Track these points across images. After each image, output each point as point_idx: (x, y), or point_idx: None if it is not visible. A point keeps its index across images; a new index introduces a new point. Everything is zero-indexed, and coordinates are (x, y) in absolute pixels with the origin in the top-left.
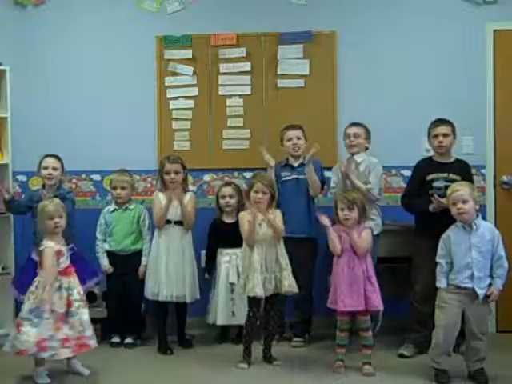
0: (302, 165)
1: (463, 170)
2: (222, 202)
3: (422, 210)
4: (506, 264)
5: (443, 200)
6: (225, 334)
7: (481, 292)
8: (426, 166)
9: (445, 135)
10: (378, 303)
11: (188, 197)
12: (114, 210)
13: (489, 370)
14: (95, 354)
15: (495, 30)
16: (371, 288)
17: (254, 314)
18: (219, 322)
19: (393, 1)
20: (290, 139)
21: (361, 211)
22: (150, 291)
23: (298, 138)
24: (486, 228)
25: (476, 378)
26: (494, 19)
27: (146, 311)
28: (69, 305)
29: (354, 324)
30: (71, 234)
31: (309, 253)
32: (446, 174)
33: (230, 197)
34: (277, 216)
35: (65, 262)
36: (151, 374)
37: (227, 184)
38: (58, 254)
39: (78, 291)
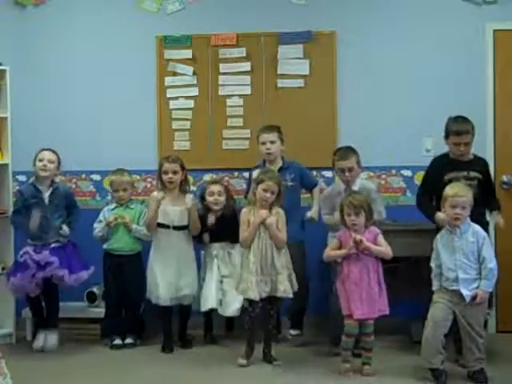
0: (280, 169)
1: (483, 168)
2: (210, 199)
3: (428, 216)
4: (491, 265)
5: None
6: (210, 331)
7: (467, 294)
8: (443, 165)
9: (466, 144)
10: (384, 308)
11: (190, 203)
12: (115, 207)
13: (489, 370)
14: (95, 353)
15: (495, 30)
16: (380, 293)
17: (253, 314)
18: (209, 305)
19: (393, 1)
20: (263, 143)
21: (367, 215)
22: (152, 296)
23: (272, 142)
24: (471, 230)
25: (476, 378)
26: (494, 19)
27: (144, 311)
28: None
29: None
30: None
31: (298, 254)
32: (465, 173)
33: (219, 194)
34: (280, 217)
35: None
36: (150, 375)
37: (215, 182)
38: None
39: None
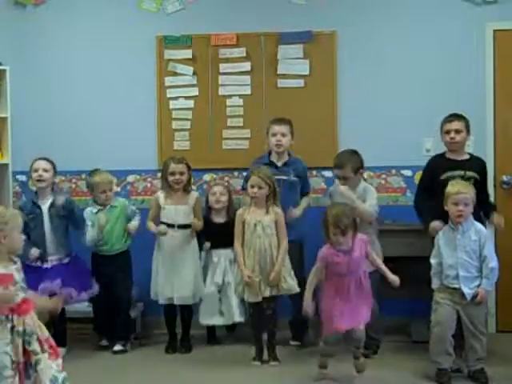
0: (285, 164)
1: (480, 168)
2: (212, 198)
3: (420, 220)
4: (492, 264)
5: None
6: (213, 335)
7: (468, 292)
8: (438, 164)
9: (457, 131)
10: (366, 317)
11: (194, 200)
12: (99, 210)
13: (489, 370)
14: (95, 353)
15: (495, 30)
16: (362, 306)
17: (252, 314)
18: (204, 322)
19: (393, 1)
20: (274, 134)
21: (354, 231)
22: (155, 295)
23: (283, 135)
24: (473, 228)
25: (476, 378)
26: (494, 19)
27: (144, 312)
28: (25, 356)
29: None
30: (67, 243)
31: (297, 254)
32: (462, 172)
33: (221, 194)
34: (278, 217)
35: (18, 293)
36: (151, 375)
37: (218, 183)
38: (5, 280)
39: (37, 337)
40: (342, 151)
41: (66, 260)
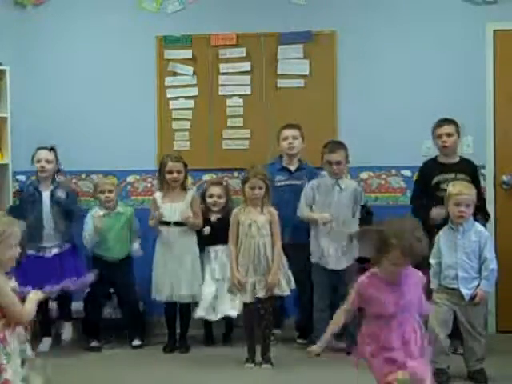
0: (298, 169)
1: (471, 170)
2: (209, 200)
3: (422, 220)
4: (492, 266)
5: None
6: (210, 335)
7: (467, 293)
8: (430, 168)
9: (448, 135)
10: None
11: (190, 197)
12: (105, 215)
13: (489, 370)
14: (95, 353)
15: (495, 30)
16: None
17: (245, 313)
18: (198, 313)
19: (393, 1)
20: (285, 138)
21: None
22: (155, 293)
23: (294, 138)
24: (474, 229)
25: (476, 378)
26: (494, 19)
27: (144, 311)
28: None
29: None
30: (69, 232)
31: (306, 257)
32: (453, 175)
33: (219, 197)
34: (272, 217)
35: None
36: (150, 375)
37: (216, 183)
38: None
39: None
40: (330, 140)
41: (66, 246)
